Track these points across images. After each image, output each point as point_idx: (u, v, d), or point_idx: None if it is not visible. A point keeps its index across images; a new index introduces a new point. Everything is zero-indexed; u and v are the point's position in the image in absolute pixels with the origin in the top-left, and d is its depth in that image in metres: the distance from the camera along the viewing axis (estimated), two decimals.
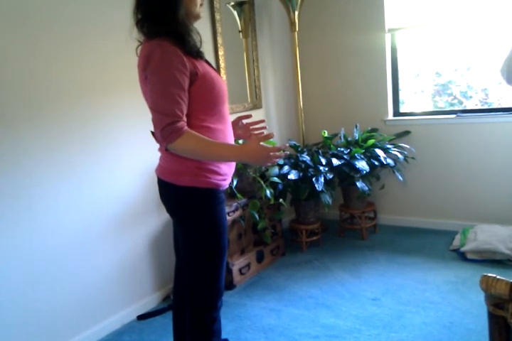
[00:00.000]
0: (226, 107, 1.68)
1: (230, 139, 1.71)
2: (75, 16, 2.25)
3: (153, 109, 1.52)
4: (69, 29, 2.23)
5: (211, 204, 1.64)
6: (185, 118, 1.51)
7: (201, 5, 1.63)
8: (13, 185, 2.04)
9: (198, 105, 1.56)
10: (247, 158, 1.58)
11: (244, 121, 1.93)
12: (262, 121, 1.89)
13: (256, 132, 1.91)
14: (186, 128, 1.50)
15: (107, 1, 2.38)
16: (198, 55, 1.58)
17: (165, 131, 1.48)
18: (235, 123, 1.89)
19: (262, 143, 1.56)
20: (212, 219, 1.65)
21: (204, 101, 1.58)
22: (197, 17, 1.63)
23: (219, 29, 3.13)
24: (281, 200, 3.11)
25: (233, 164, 1.73)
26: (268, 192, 2.92)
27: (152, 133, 1.61)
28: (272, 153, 1.55)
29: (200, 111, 1.57)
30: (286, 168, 3.15)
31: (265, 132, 1.69)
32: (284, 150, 1.61)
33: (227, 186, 1.73)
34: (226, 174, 1.67)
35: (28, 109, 2.09)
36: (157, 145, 1.71)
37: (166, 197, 1.71)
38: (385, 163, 3.30)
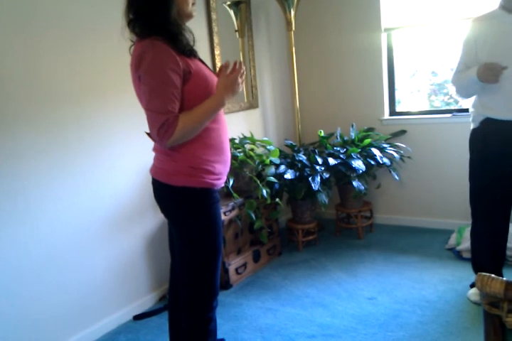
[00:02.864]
0: None
1: (226, 139, 1.71)
2: (74, 18, 2.25)
3: (148, 108, 1.52)
4: (68, 31, 2.23)
5: (206, 204, 1.64)
6: (177, 114, 1.52)
7: (193, 4, 1.62)
8: (11, 185, 2.03)
9: (192, 103, 1.56)
10: (225, 92, 1.59)
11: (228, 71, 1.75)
12: (236, 63, 1.67)
13: None
14: (177, 118, 1.51)
15: (106, 2, 2.37)
16: (191, 53, 1.58)
17: (162, 129, 1.49)
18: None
19: None
20: (207, 218, 1.65)
21: (198, 100, 1.57)
22: (189, 16, 1.63)
23: (215, 28, 3.13)
24: (277, 200, 3.11)
25: (228, 163, 1.73)
26: (264, 191, 2.91)
27: (147, 134, 1.61)
28: (232, 76, 1.59)
29: None
30: (282, 168, 3.15)
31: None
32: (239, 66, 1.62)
33: (222, 185, 1.73)
34: (221, 173, 1.67)
35: (27, 109, 2.08)
36: (152, 146, 1.70)
37: (161, 197, 1.70)
38: (381, 162, 3.31)
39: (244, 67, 1.65)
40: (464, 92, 2.37)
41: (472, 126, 2.39)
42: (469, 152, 2.43)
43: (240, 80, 1.62)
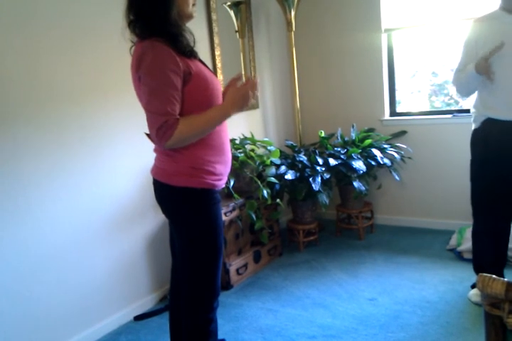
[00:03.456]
0: None
1: (226, 139, 1.71)
2: (74, 18, 2.25)
3: (148, 109, 1.52)
4: (69, 31, 2.23)
5: (207, 205, 1.64)
6: (178, 117, 1.52)
7: (194, 5, 1.62)
8: (12, 185, 2.03)
9: (192, 104, 1.56)
10: (232, 107, 1.58)
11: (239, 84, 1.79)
12: (249, 76, 1.77)
13: None
14: (177, 120, 1.51)
15: (106, 2, 2.37)
16: (191, 54, 1.58)
17: (161, 131, 1.48)
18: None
19: None
20: (208, 219, 1.64)
21: (199, 101, 1.57)
22: (190, 17, 1.63)
23: (215, 29, 3.13)
24: (278, 200, 3.11)
25: (228, 163, 1.72)
26: (265, 192, 2.91)
27: (147, 135, 1.61)
28: (243, 90, 1.59)
29: (195, 111, 1.57)
30: (283, 168, 3.15)
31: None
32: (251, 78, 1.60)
33: (223, 186, 1.73)
34: (221, 174, 1.67)
35: (27, 109, 2.08)
36: (153, 146, 1.70)
37: (161, 197, 1.70)
38: (381, 162, 3.31)
39: (257, 81, 1.61)
40: (465, 90, 2.36)
41: (473, 127, 2.39)
42: (470, 152, 2.43)
43: (251, 94, 1.60)
